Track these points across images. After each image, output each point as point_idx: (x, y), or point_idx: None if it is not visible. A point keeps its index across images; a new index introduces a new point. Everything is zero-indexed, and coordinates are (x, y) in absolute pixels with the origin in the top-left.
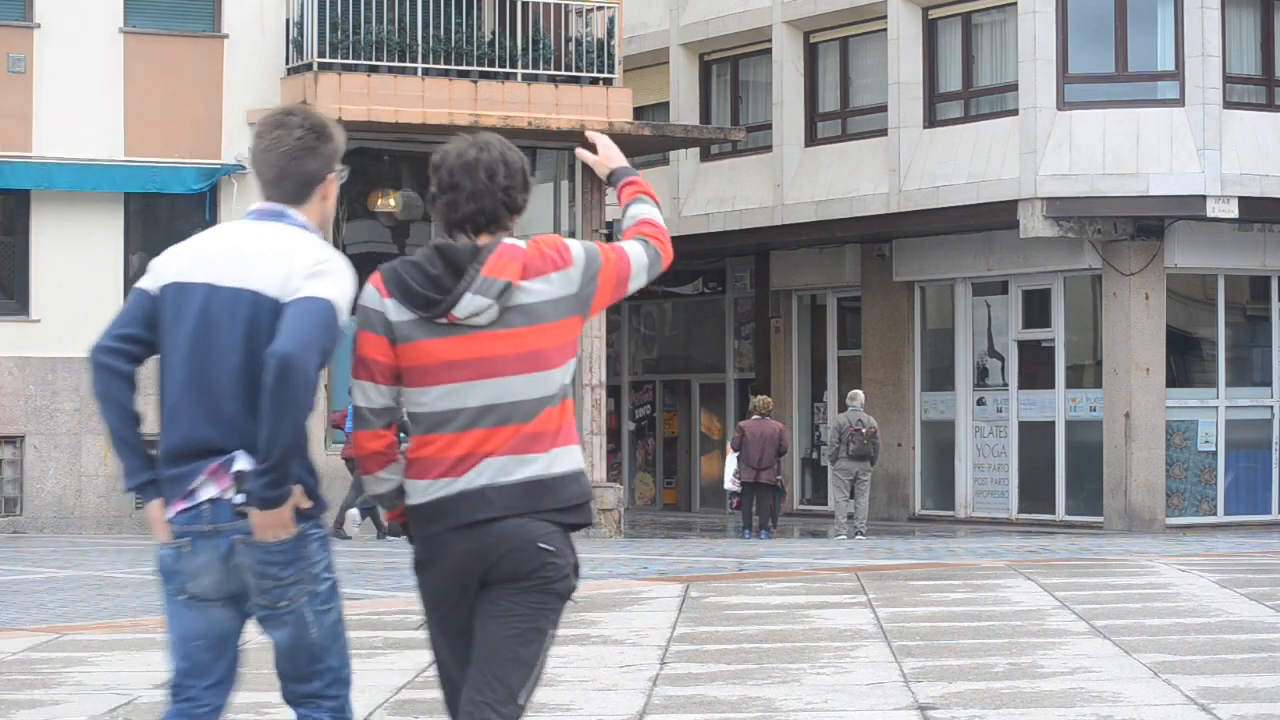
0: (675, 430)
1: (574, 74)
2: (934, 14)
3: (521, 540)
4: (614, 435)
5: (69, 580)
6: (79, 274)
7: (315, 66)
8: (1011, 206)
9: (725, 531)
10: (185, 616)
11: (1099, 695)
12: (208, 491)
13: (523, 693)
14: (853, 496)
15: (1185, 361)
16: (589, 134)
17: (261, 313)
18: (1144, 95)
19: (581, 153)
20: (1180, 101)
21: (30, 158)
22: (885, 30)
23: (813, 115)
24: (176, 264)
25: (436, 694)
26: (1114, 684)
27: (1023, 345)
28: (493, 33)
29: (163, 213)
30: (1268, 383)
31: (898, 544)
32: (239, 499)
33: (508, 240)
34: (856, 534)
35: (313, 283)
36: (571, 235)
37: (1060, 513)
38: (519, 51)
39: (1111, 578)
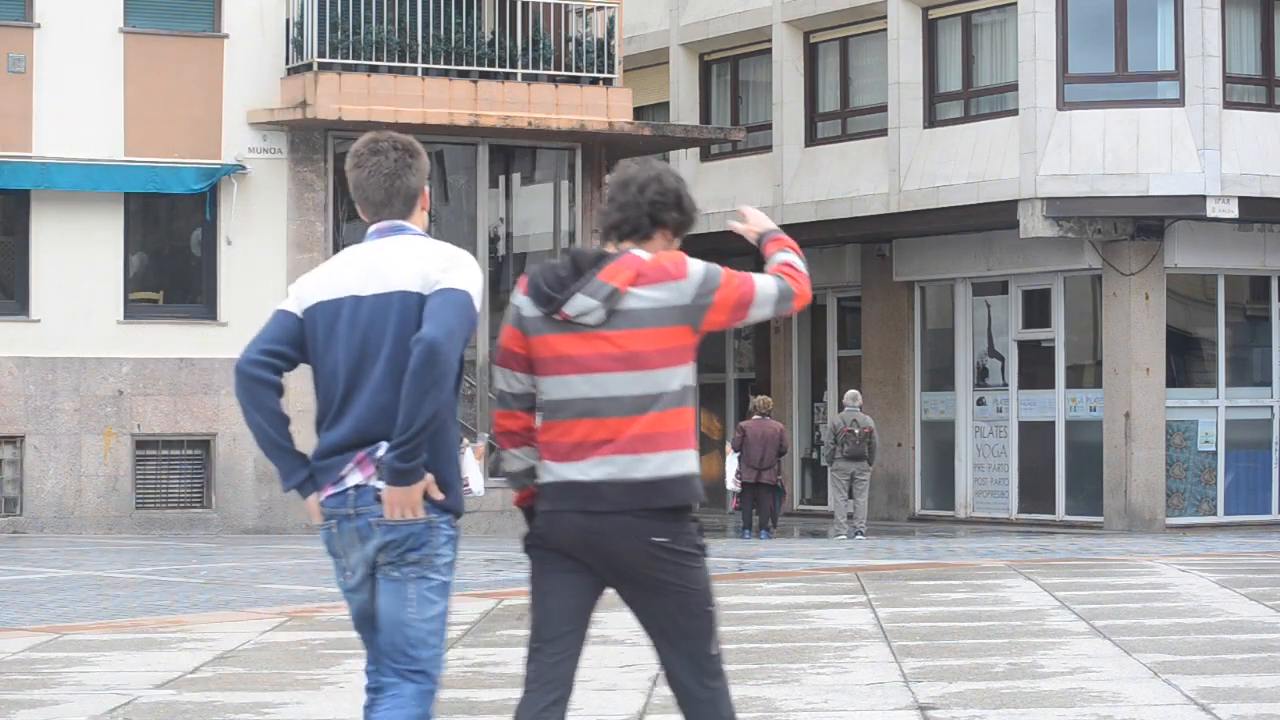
0: None
1: (574, 74)
2: (934, 14)
3: (634, 537)
4: None
5: (69, 580)
6: (79, 274)
7: (315, 66)
8: (1011, 206)
9: (725, 531)
10: (347, 598)
11: (1099, 695)
12: (354, 478)
13: (711, 645)
14: (851, 496)
15: (1185, 361)
16: (739, 207)
17: (409, 308)
18: (1144, 95)
19: (733, 224)
20: (1180, 101)
21: (30, 158)
22: (885, 30)
23: (813, 115)
24: (316, 287)
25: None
26: (1114, 684)
27: (1023, 345)
28: (493, 33)
29: (163, 213)
30: (1268, 383)
31: (898, 544)
32: (378, 485)
33: (635, 251)
34: (856, 534)
35: (450, 275)
36: (571, 236)
37: (1060, 513)
38: (519, 51)
39: (1111, 578)
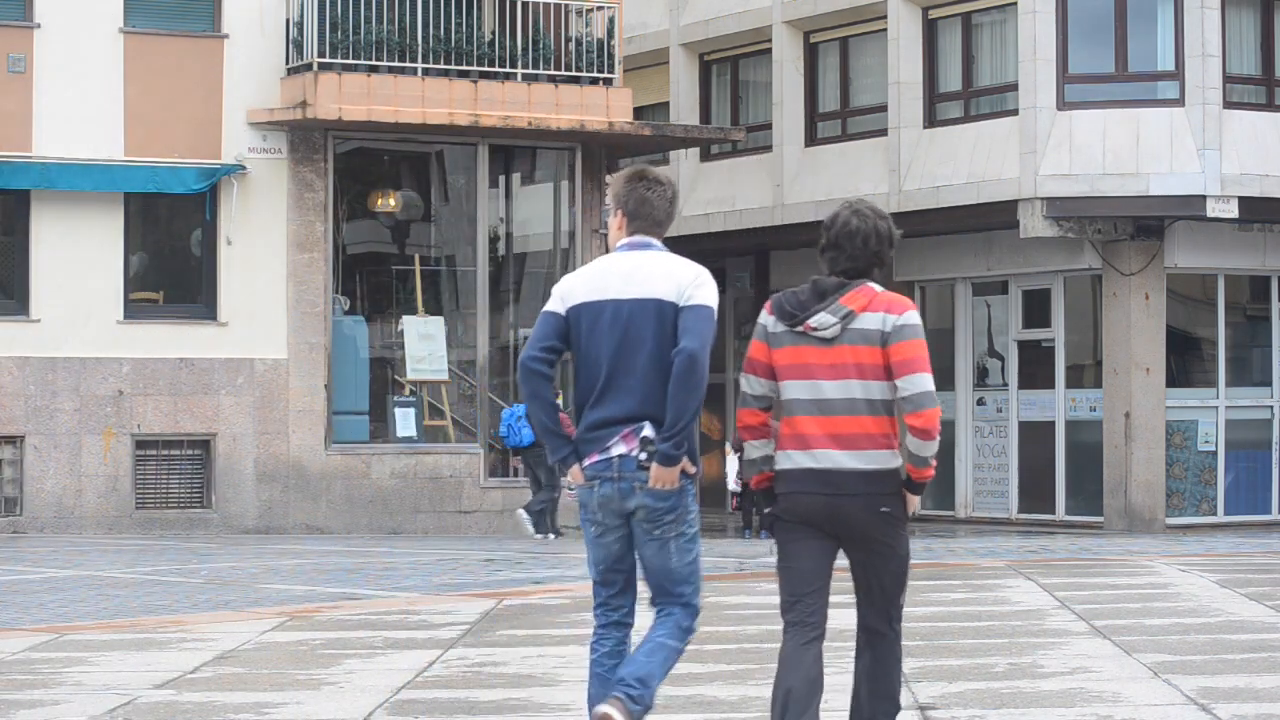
0: None
1: (574, 74)
2: (934, 14)
3: (861, 515)
4: None
5: (69, 580)
6: (79, 274)
7: (315, 66)
8: (1011, 206)
9: (725, 531)
10: (594, 546)
11: (1099, 695)
12: (619, 449)
13: (902, 597)
14: None
15: (1185, 361)
16: (912, 506)
17: (665, 313)
18: (1144, 95)
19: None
20: (1180, 101)
21: (30, 158)
22: (885, 30)
23: (813, 115)
24: (579, 290)
25: (436, 694)
26: (1114, 684)
27: (1023, 345)
28: (493, 33)
29: (163, 213)
30: (1268, 383)
31: None
32: (643, 456)
33: (870, 284)
34: None
35: (699, 292)
36: (571, 235)
37: (1060, 513)
38: (519, 51)
39: (1111, 578)
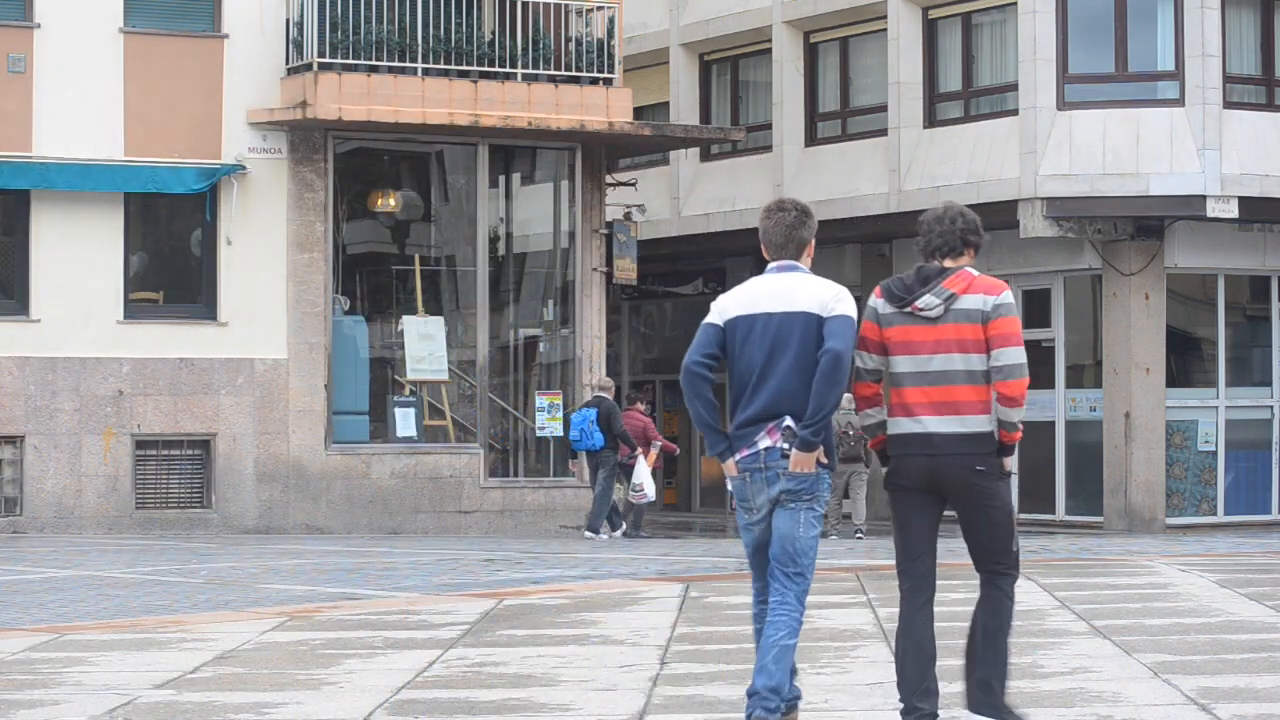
0: (676, 430)
1: (574, 74)
2: (934, 14)
3: (959, 473)
4: None
5: (69, 580)
6: (79, 274)
7: (315, 66)
8: (1011, 206)
9: (725, 531)
10: (744, 532)
11: (1099, 695)
12: (764, 442)
13: (1013, 543)
14: (847, 497)
15: (1185, 361)
16: (1009, 466)
17: (811, 325)
18: (1144, 95)
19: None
20: (1180, 101)
21: (30, 158)
22: (885, 30)
23: (813, 115)
24: (734, 305)
25: (436, 694)
26: (1114, 684)
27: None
28: (493, 33)
29: (163, 213)
30: (1268, 383)
31: None
32: (785, 446)
33: (968, 268)
34: (856, 533)
35: (841, 305)
36: (571, 235)
37: (1060, 513)
38: (519, 51)
39: (1111, 578)
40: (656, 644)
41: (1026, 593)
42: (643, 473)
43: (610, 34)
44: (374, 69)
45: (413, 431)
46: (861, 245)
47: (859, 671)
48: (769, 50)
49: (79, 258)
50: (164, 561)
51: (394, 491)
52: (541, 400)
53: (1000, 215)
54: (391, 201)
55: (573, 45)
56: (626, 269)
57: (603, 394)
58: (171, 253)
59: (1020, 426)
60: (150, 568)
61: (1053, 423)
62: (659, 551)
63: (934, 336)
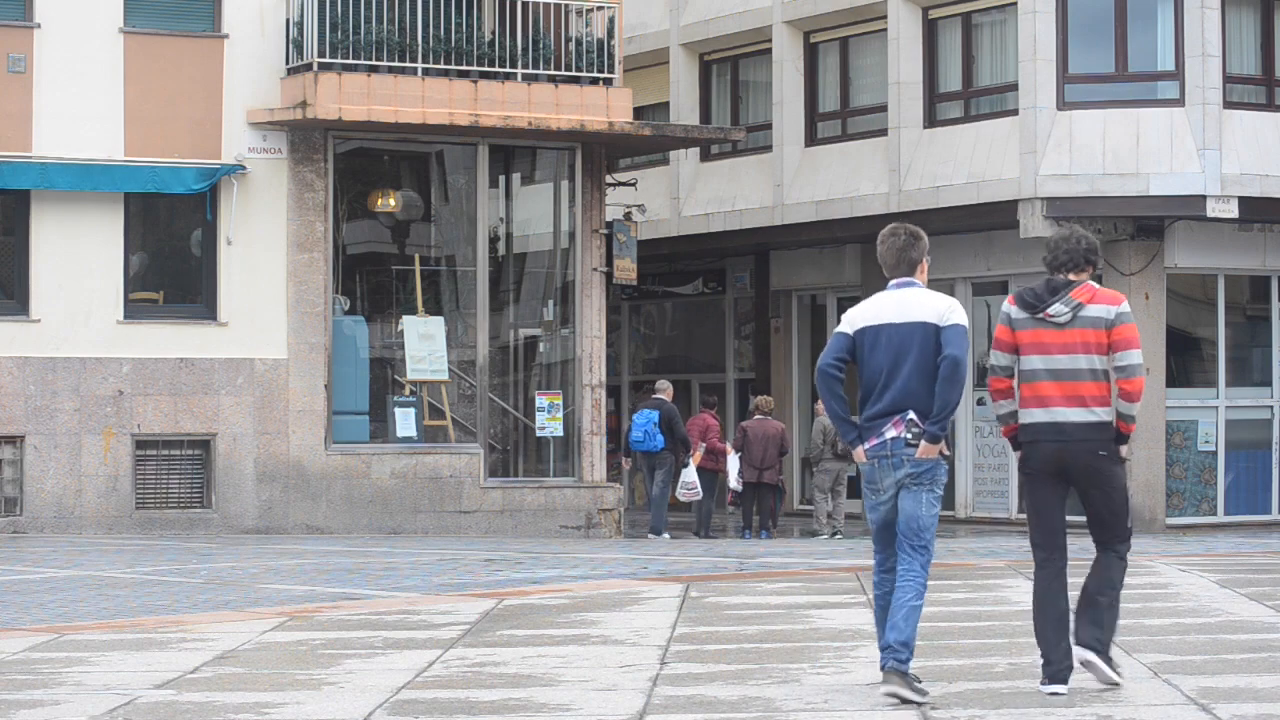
0: None
1: (574, 74)
2: (934, 14)
3: (1086, 456)
4: (614, 435)
5: (69, 580)
6: (79, 274)
7: (315, 66)
8: (1011, 206)
9: (725, 531)
10: (871, 510)
11: (1099, 695)
12: (891, 433)
13: (1128, 520)
14: (832, 494)
15: (1185, 361)
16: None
17: (929, 333)
18: (1144, 95)
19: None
20: (1180, 101)
21: (30, 158)
22: (885, 30)
23: (813, 115)
24: (862, 317)
25: (436, 694)
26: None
27: None
28: (493, 33)
29: (163, 213)
30: (1268, 383)
31: None
32: (909, 436)
33: (1090, 281)
34: (835, 533)
35: (954, 315)
36: (571, 235)
37: None
38: (519, 51)
39: None
40: (656, 644)
41: (1026, 593)
42: (692, 471)
43: (610, 34)
44: (374, 69)
45: (413, 431)
46: (861, 245)
47: (859, 671)
48: (769, 50)
49: (79, 258)
50: (164, 561)
51: (394, 491)
52: (541, 400)
53: (1000, 215)
54: (391, 201)
55: (573, 45)
56: (626, 269)
57: (662, 397)
58: (171, 253)
59: (1135, 420)
60: (150, 568)
61: None
62: (659, 551)
63: (1063, 339)
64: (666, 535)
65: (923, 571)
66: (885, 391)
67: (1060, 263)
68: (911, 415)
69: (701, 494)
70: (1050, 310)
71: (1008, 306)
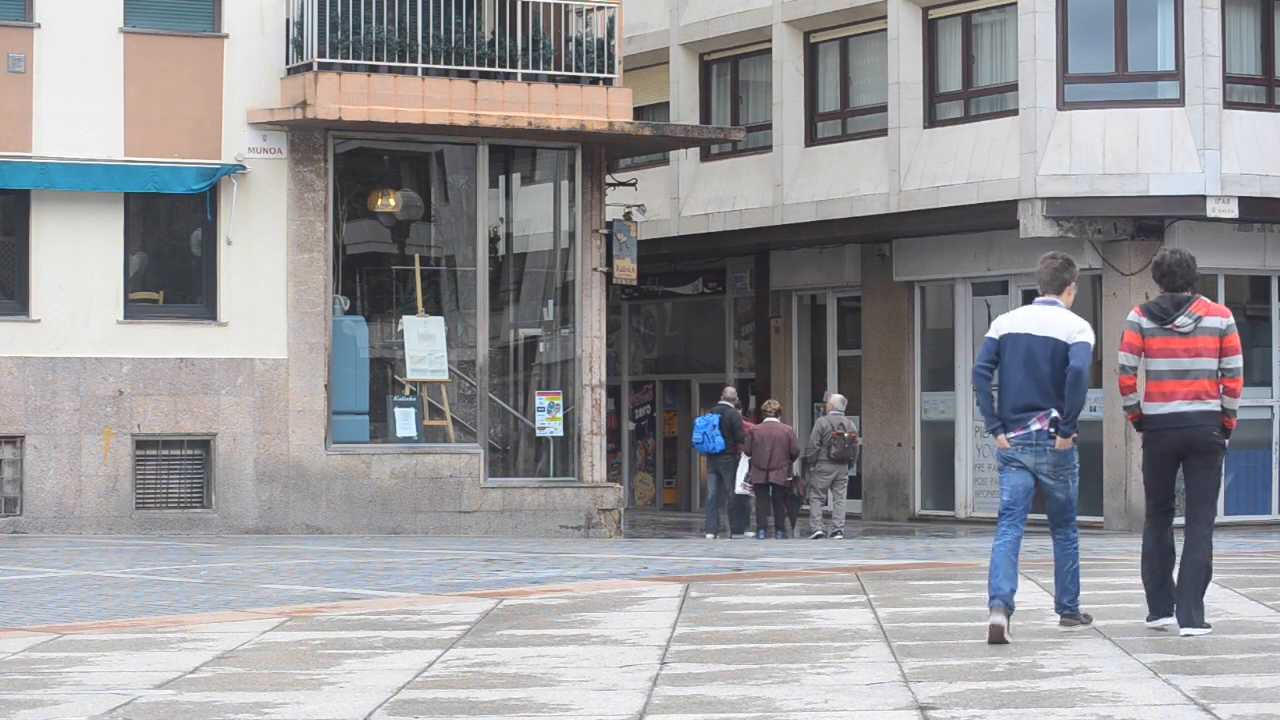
0: (675, 430)
1: (574, 74)
2: (934, 14)
3: (1204, 437)
4: (614, 435)
5: (69, 580)
6: (79, 274)
7: (315, 66)
8: (1011, 206)
9: (725, 531)
10: (1013, 478)
11: (1099, 695)
12: (1035, 426)
13: (1215, 495)
14: (832, 495)
15: None
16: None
17: (1059, 348)
18: (1144, 95)
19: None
20: (1180, 101)
21: (30, 158)
22: (885, 30)
23: (813, 115)
24: (1007, 325)
25: (436, 694)
26: (1114, 684)
27: None
28: (493, 33)
29: (163, 213)
30: (1268, 383)
31: (898, 544)
32: (1050, 430)
33: (1201, 296)
34: (835, 533)
35: (1083, 334)
36: (571, 235)
37: None
38: (519, 51)
39: (1111, 577)
40: (656, 644)
41: (1027, 593)
42: (742, 470)
43: (610, 34)
44: (374, 69)
45: (413, 431)
46: (861, 245)
47: (859, 671)
48: (769, 50)
49: (79, 258)
50: (164, 561)
51: (394, 491)
52: (541, 400)
53: (1000, 215)
54: (391, 201)
55: (573, 45)
56: (626, 269)
57: (727, 403)
58: (171, 253)
59: (1237, 413)
60: (150, 568)
61: None
62: (659, 551)
63: (1185, 345)
64: (726, 534)
65: (1076, 540)
66: (1023, 392)
67: (1180, 283)
68: (1055, 414)
69: (753, 492)
70: (1178, 321)
71: (1136, 317)
